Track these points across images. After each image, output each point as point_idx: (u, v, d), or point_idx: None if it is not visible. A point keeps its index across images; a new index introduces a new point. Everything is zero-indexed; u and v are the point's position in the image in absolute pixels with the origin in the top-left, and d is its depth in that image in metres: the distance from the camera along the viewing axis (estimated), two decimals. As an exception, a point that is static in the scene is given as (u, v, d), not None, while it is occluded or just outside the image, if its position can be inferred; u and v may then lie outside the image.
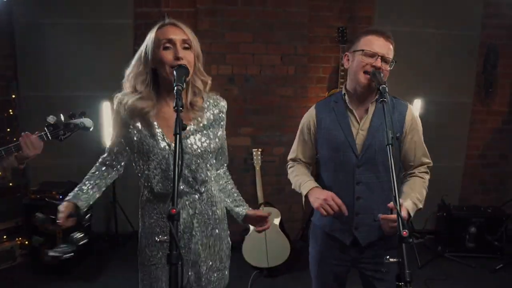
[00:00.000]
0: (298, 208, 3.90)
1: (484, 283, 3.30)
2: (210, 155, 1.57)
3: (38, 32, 3.67)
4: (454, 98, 4.00)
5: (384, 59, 1.64)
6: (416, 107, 3.60)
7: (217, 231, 1.62)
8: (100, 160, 1.67)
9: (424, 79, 3.84)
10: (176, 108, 1.21)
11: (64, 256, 1.54)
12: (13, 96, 3.68)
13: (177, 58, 1.41)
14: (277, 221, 3.32)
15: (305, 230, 3.84)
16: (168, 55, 1.42)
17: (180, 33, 1.45)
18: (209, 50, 3.61)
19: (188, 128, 1.50)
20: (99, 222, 3.80)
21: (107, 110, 3.38)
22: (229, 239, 1.71)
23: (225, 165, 1.75)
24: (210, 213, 1.59)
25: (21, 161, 1.64)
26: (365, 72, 1.64)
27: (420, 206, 1.68)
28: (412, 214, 1.63)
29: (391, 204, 1.47)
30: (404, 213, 1.50)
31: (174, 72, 1.36)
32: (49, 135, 1.72)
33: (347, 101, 1.75)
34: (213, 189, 1.62)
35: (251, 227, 3.23)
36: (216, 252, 1.63)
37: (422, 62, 3.83)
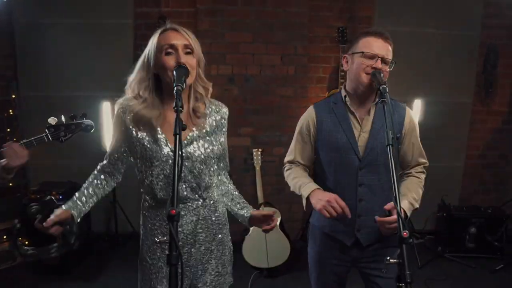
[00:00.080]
0: (298, 208, 3.90)
1: (484, 283, 3.29)
2: (213, 161, 1.57)
3: (38, 32, 3.67)
4: (454, 98, 4.00)
5: (383, 60, 1.64)
6: (416, 107, 3.61)
7: (220, 236, 1.63)
8: (99, 167, 1.64)
9: (424, 79, 3.84)
10: (176, 108, 1.21)
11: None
12: (13, 96, 3.68)
13: (179, 63, 1.41)
14: (277, 221, 3.32)
15: (305, 230, 3.84)
16: (170, 61, 1.41)
17: (181, 38, 1.45)
18: (209, 50, 3.61)
19: (191, 134, 1.51)
20: (99, 222, 3.80)
21: (107, 110, 3.38)
22: (231, 244, 1.72)
23: (226, 172, 1.73)
24: (214, 218, 1.60)
25: (8, 171, 1.62)
26: (366, 73, 1.64)
27: (417, 205, 1.72)
28: (408, 214, 1.67)
29: (387, 206, 1.51)
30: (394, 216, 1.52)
31: (174, 72, 1.36)
32: (49, 136, 1.71)
33: (348, 103, 1.74)
34: (215, 194, 1.63)
35: (251, 227, 3.23)
36: (219, 257, 1.63)
37: (422, 62, 3.83)
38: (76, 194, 1.56)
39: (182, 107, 1.23)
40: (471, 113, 4.10)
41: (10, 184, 3.49)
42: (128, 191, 3.65)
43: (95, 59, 3.69)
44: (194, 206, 1.55)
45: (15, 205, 3.43)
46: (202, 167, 1.53)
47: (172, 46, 1.43)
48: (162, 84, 1.49)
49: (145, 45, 1.51)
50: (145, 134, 1.49)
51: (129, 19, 3.75)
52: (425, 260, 3.53)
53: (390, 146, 1.36)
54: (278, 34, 3.73)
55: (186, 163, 1.49)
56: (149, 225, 1.57)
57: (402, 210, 1.55)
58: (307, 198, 1.73)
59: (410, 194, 1.71)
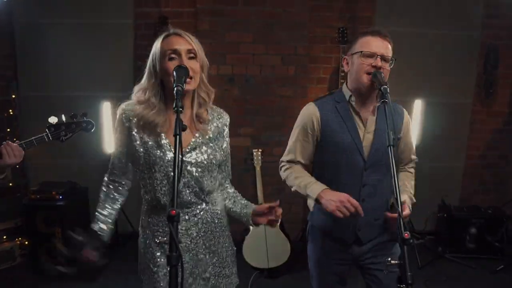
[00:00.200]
0: (299, 209, 3.90)
1: (484, 284, 3.29)
2: (215, 166, 1.58)
3: (38, 32, 3.67)
4: (454, 98, 4.00)
5: (383, 58, 1.64)
6: (416, 107, 3.61)
7: (222, 238, 1.63)
8: (105, 184, 1.63)
9: (424, 79, 3.84)
10: (175, 109, 1.21)
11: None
12: (13, 96, 3.68)
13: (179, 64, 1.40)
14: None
15: (305, 231, 3.83)
16: (173, 66, 1.40)
17: (184, 43, 1.44)
18: (209, 50, 3.60)
19: (194, 140, 1.51)
20: (99, 222, 3.80)
21: (107, 110, 3.38)
22: (233, 245, 1.72)
23: (228, 180, 1.72)
24: (216, 221, 1.61)
25: (1, 169, 1.62)
26: (367, 73, 1.63)
27: (414, 200, 1.79)
28: (410, 208, 1.71)
29: (391, 214, 1.55)
30: (407, 210, 1.57)
31: (174, 73, 1.35)
32: (50, 136, 1.71)
33: (353, 103, 1.73)
34: (218, 197, 1.64)
35: (251, 228, 3.23)
36: (224, 259, 1.64)
37: (422, 63, 3.83)
38: (101, 219, 1.64)
39: (182, 107, 1.23)
40: (471, 114, 4.10)
41: (10, 184, 3.48)
42: (128, 191, 3.66)
43: (95, 59, 3.68)
44: (198, 210, 1.55)
45: (15, 205, 3.43)
46: (205, 172, 1.53)
47: (175, 51, 1.42)
48: (166, 90, 1.49)
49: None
50: (149, 139, 1.48)
51: (129, 19, 3.74)
52: (425, 260, 3.53)
53: (391, 147, 1.36)
54: (278, 34, 3.73)
55: (189, 169, 1.49)
56: (150, 230, 1.57)
57: (407, 208, 1.61)
58: (315, 199, 1.69)
59: (407, 189, 1.79)
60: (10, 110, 3.64)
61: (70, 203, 3.25)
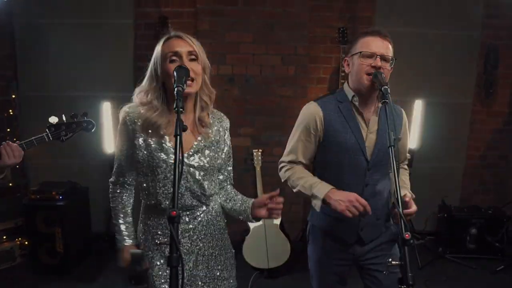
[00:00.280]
0: (299, 209, 3.90)
1: (484, 284, 3.29)
2: (217, 169, 1.58)
3: (38, 32, 3.67)
4: (455, 98, 4.00)
5: (383, 58, 1.63)
6: (416, 107, 3.61)
7: (221, 241, 1.64)
8: (111, 190, 1.62)
9: (424, 79, 3.84)
10: (176, 109, 1.20)
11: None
12: (13, 96, 3.68)
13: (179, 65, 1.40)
14: (277, 221, 3.32)
15: (305, 231, 3.83)
16: (174, 68, 1.39)
17: (185, 45, 1.44)
18: (209, 50, 3.60)
19: (196, 143, 1.51)
20: (99, 222, 3.79)
21: (107, 110, 3.37)
22: (231, 247, 1.72)
23: (229, 181, 1.70)
24: (216, 224, 1.61)
25: (0, 169, 1.62)
26: (367, 74, 1.63)
27: (413, 195, 1.79)
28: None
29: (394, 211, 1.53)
30: (414, 206, 1.56)
31: (174, 73, 1.34)
32: (50, 136, 1.71)
33: (356, 103, 1.72)
34: (219, 201, 1.65)
35: (251, 227, 3.23)
36: (223, 262, 1.64)
37: (422, 63, 3.83)
38: (124, 229, 1.65)
39: (182, 108, 1.23)
40: (471, 114, 4.10)
41: (10, 184, 3.49)
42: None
43: (95, 59, 3.68)
44: (198, 212, 1.55)
45: (15, 205, 3.43)
46: (207, 175, 1.53)
47: (176, 54, 1.42)
48: (168, 92, 1.49)
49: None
50: (152, 141, 1.48)
51: (129, 19, 3.74)
52: (425, 261, 3.53)
53: (392, 147, 1.36)
54: (278, 34, 3.73)
55: (191, 172, 1.50)
56: (150, 233, 1.57)
57: (413, 203, 1.60)
58: (321, 199, 1.65)
59: (406, 186, 1.85)
60: (10, 110, 3.64)
61: (70, 203, 3.25)
